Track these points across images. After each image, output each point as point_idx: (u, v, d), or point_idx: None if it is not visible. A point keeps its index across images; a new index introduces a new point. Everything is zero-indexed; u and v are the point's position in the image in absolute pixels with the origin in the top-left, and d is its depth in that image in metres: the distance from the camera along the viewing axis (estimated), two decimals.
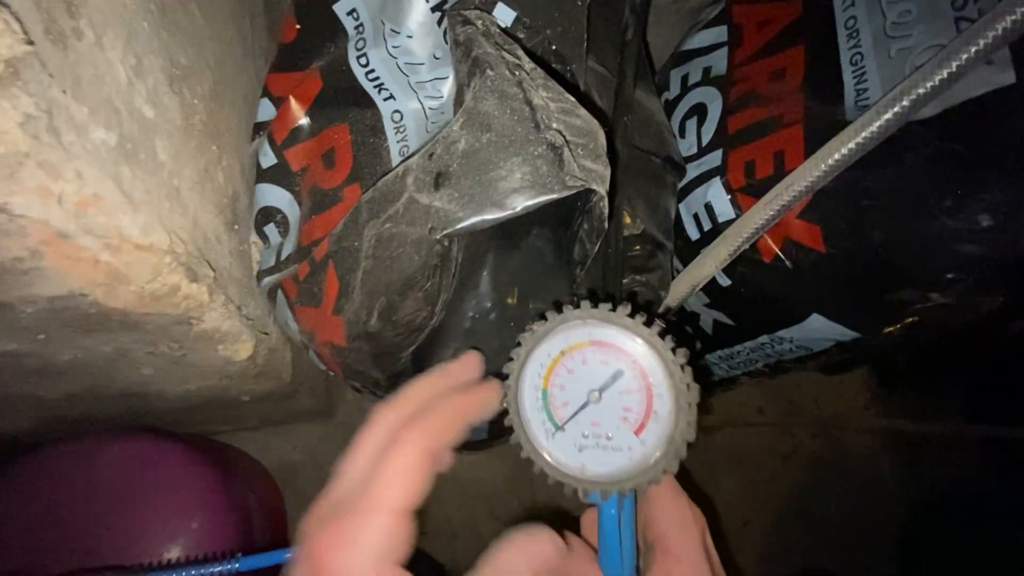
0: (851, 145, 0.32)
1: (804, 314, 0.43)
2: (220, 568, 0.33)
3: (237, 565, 0.33)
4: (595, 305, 0.21)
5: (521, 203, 0.20)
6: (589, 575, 0.23)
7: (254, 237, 0.40)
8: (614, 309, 0.21)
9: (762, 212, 0.35)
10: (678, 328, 0.20)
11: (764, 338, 0.48)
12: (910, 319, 0.40)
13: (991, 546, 0.65)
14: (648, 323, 0.21)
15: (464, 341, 0.33)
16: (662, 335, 0.21)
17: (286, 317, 0.36)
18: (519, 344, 0.22)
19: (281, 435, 0.70)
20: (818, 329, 0.44)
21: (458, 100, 0.24)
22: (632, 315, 0.21)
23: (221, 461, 0.55)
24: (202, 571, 0.33)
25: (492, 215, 0.20)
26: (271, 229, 0.40)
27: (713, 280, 0.48)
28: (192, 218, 0.29)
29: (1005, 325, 0.70)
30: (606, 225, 0.23)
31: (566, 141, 0.20)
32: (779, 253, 0.41)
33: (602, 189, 0.20)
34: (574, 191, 0.19)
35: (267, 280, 0.38)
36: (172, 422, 0.54)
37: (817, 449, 0.81)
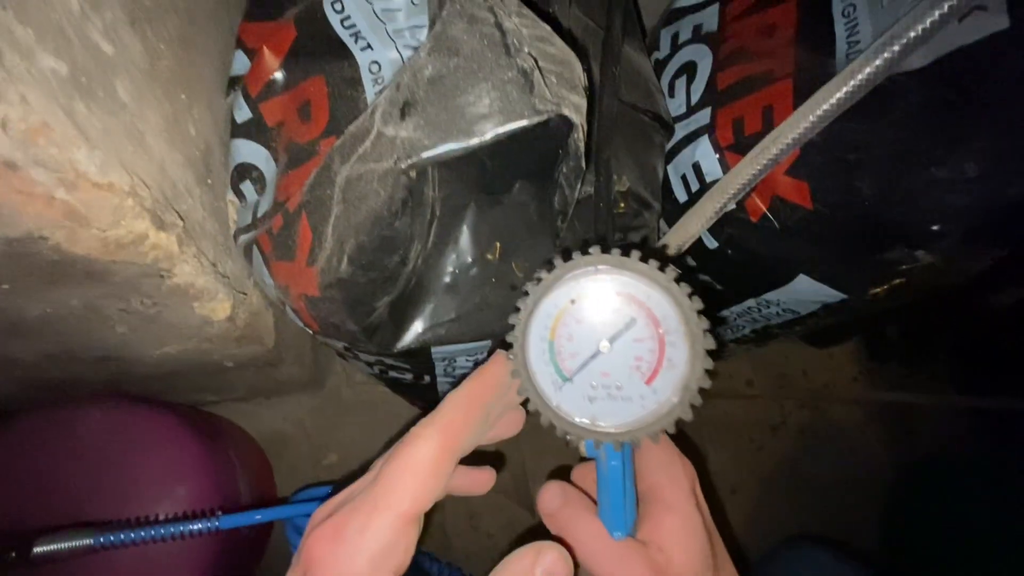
0: (840, 94, 0.31)
1: (791, 275, 0.43)
2: (201, 525, 0.33)
3: (218, 523, 0.33)
4: (605, 251, 0.20)
5: (490, 130, 0.19)
6: (587, 525, 0.23)
7: (231, 196, 0.39)
8: (626, 254, 0.20)
9: (750, 167, 0.35)
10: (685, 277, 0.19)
11: (751, 302, 0.48)
12: (897, 280, 0.40)
13: (975, 513, 0.66)
14: (662, 268, 0.20)
15: (444, 296, 0.33)
16: (677, 281, 0.20)
17: (263, 274, 0.35)
18: (526, 294, 0.21)
19: (270, 406, 0.69)
20: (804, 291, 0.43)
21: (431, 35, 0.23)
22: (645, 260, 0.20)
23: (206, 429, 0.54)
24: (183, 528, 0.33)
25: (460, 143, 0.19)
26: (247, 187, 0.39)
27: (699, 243, 0.47)
28: (158, 165, 0.28)
29: (992, 296, 0.71)
30: (583, 164, 0.22)
31: (538, 67, 0.19)
32: (767, 212, 0.40)
33: (578, 119, 0.19)
34: (544, 116, 0.18)
35: (243, 238, 0.37)
36: (157, 390, 0.54)
37: (806, 420, 0.82)
